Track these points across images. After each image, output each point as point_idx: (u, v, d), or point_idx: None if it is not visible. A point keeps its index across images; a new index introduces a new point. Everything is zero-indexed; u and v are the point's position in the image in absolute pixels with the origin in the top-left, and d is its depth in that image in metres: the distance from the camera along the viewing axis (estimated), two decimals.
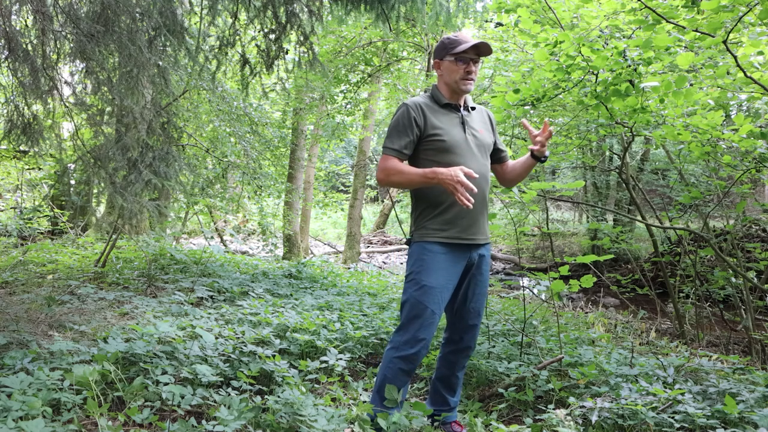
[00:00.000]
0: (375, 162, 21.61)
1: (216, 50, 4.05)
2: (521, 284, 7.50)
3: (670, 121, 3.74)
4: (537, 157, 2.46)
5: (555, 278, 3.26)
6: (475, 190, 2.15)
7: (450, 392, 2.50)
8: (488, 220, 2.51)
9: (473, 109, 2.45)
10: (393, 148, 2.27)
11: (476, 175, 2.16)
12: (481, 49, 2.29)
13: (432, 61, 2.43)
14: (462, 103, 2.40)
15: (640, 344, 4.53)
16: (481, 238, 2.36)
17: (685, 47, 3.54)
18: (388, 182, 2.29)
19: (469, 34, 2.51)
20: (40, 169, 9.01)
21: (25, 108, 3.46)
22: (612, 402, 2.52)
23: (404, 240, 2.64)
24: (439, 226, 2.29)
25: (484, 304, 2.46)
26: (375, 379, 2.48)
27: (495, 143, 2.51)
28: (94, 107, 3.71)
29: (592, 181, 12.49)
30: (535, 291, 5.70)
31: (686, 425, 2.37)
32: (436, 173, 2.16)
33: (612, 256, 4.07)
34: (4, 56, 3.06)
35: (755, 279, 4.77)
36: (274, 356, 2.89)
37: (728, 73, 3.65)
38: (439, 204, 2.30)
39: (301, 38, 3.93)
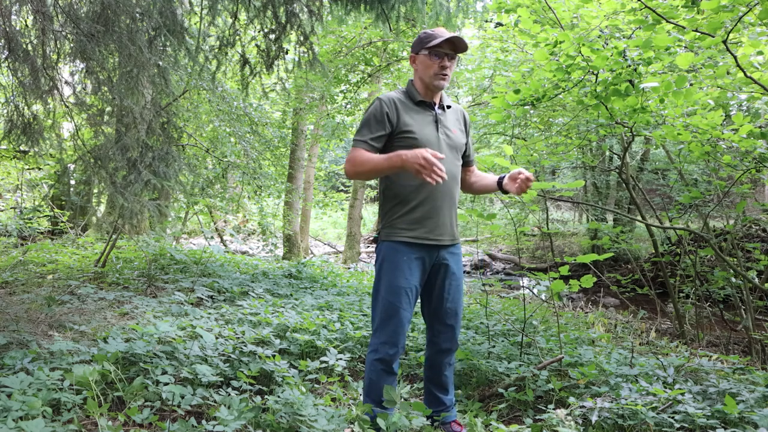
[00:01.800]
0: None
1: (216, 50, 4.05)
2: (521, 284, 7.50)
3: (670, 121, 3.74)
4: (503, 189, 2.41)
5: (555, 278, 3.26)
6: (442, 167, 2.06)
7: (442, 391, 2.50)
8: (458, 219, 2.46)
9: (449, 107, 2.42)
10: (362, 140, 2.23)
11: (442, 156, 2.08)
12: (457, 45, 2.25)
13: (410, 56, 2.38)
14: (437, 101, 2.37)
15: (640, 344, 4.53)
16: (447, 239, 2.34)
17: (685, 47, 3.54)
18: (355, 173, 2.23)
19: (441, 28, 2.45)
20: (40, 169, 9.01)
21: (25, 108, 3.46)
22: (612, 402, 2.52)
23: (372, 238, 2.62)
24: (407, 225, 2.27)
25: (460, 303, 2.45)
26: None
27: (465, 144, 2.47)
28: (94, 107, 3.71)
29: (592, 181, 12.49)
30: (535, 291, 5.70)
31: (686, 425, 2.37)
32: (400, 155, 2.09)
33: (612, 254, 4.06)
34: (4, 56, 3.06)
35: (755, 279, 4.77)
36: (274, 356, 2.89)
37: (728, 73, 3.65)
38: (408, 202, 2.28)
39: (301, 38, 3.93)
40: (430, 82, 2.29)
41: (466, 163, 2.53)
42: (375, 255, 2.38)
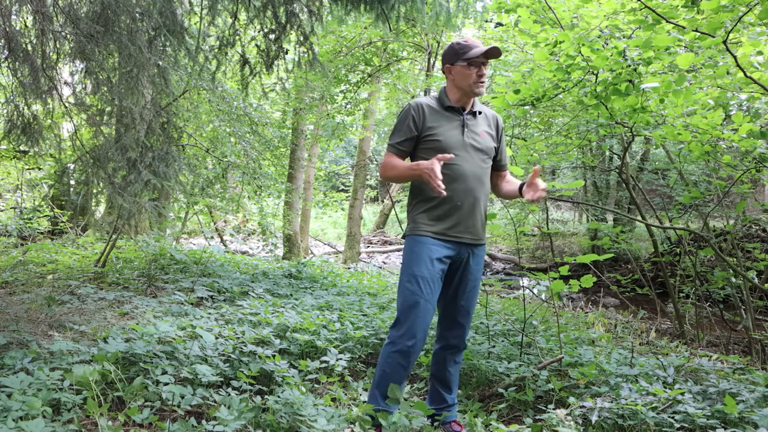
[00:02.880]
0: (375, 162, 21.64)
1: (216, 50, 4.04)
2: (521, 284, 7.50)
3: (670, 121, 3.74)
4: (522, 195, 2.49)
5: (555, 278, 3.26)
6: (440, 181, 2.14)
7: (446, 389, 2.52)
8: (486, 221, 2.52)
9: (480, 113, 2.50)
10: (391, 145, 2.41)
11: (450, 156, 2.21)
12: (491, 53, 2.36)
13: (442, 66, 2.52)
14: (468, 108, 2.45)
15: (640, 344, 4.53)
16: (469, 238, 2.39)
17: (685, 47, 3.54)
18: (386, 177, 2.42)
19: (472, 38, 2.56)
20: (40, 169, 9.01)
21: (25, 108, 3.46)
22: (612, 402, 2.52)
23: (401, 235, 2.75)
24: (429, 221, 2.36)
25: (473, 303, 2.49)
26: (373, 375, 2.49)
27: (496, 149, 2.54)
28: (93, 107, 3.71)
29: (592, 181, 12.49)
30: (535, 291, 5.70)
31: (686, 425, 2.37)
32: (419, 165, 2.24)
33: (612, 255, 4.07)
34: (4, 56, 3.05)
35: (755, 279, 4.77)
36: (274, 356, 2.89)
37: (728, 73, 3.65)
38: (431, 199, 2.37)
39: (301, 38, 3.92)
40: (470, 90, 2.39)
41: (499, 167, 2.60)
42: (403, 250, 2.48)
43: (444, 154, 2.23)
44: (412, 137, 2.38)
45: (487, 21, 8.76)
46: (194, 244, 12.48)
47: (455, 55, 2.39)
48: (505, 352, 3.42)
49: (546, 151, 5.40)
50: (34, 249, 6.11)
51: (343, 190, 21.84)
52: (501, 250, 15.03)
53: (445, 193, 2.17)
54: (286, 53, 4.19)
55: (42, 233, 8.36)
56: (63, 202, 9.19)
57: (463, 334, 2.47)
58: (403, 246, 2.47)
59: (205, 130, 7.96)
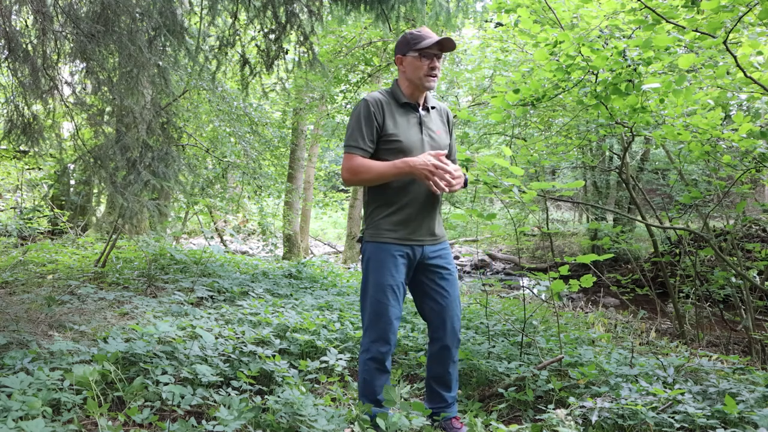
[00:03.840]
0: None
1: (216, 50, 4.05)
2: (521, 284, 7.50)
3: (670, 121, 3.74)
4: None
5: (555, 278, 3.26)
6: (452, 171, 2.18)
7: (445, 389, 2.50)
8: (441, 220, 2.49)
9: (433, 108, 2.44)
10: (356, 146, 2.24)
11: (444, 152, 2.21)
12: (445, 45, 2.26)
13: (395, 58, 2.39)
14: (421, 103, 2.38)
15: (640, 344, 4.53)
16: (430, 240, 2.36)
17: (685, 47, 3.54)
18: (356, 181, 2.27)
19: (426, 29, 2.47)
20: (40, 169, 9.02)
21: (25, 108, 3.46)
22: (612, 402, 2.52)
23: (357, 238, 2.67)
24: (390, 226, 2.30)
25: (458, 302, 2.46)
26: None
27: (449, 145, 2.48)
28: (94, 107, 3.71)
29: (592, 181, 12.49)
30: (535, 291, 5.70)
31: (686, 425, 2.37)
32: (407, 162, 2.17)
33: (612, 255, 4.06)
34: (4, 56, 3.06)
35: (755, 279, 4.77)
36: (274, 356, 2.89)
37: (728, 73, 3.65)
38: (392, 204, 2.30)
39: (301, 38, 3.93)
40: (420, 83, 2.30)
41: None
42: (360, 255, 2.41)
43: (438, 151, 2.20)
44: (376, 135, 2.26)
45: (487, 21, 8.76)
46: (194, 244, 12.48)
47: (407, 45, 2.29)
48: (505, 352, 3.42)
49: (546, 151, 5.40)
50: (34, 249, 6.12)
51: (343, 190, 21.82)
52: (501, 250, 15.03)
53: (448, 190, 2.16)
54: (286, 53, 4.20)
55: (42, 233, 8.36)
56: (63, 202, 9.20)
57: (454, 332, 2.44)
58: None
59: (205, 130, 7.97)
